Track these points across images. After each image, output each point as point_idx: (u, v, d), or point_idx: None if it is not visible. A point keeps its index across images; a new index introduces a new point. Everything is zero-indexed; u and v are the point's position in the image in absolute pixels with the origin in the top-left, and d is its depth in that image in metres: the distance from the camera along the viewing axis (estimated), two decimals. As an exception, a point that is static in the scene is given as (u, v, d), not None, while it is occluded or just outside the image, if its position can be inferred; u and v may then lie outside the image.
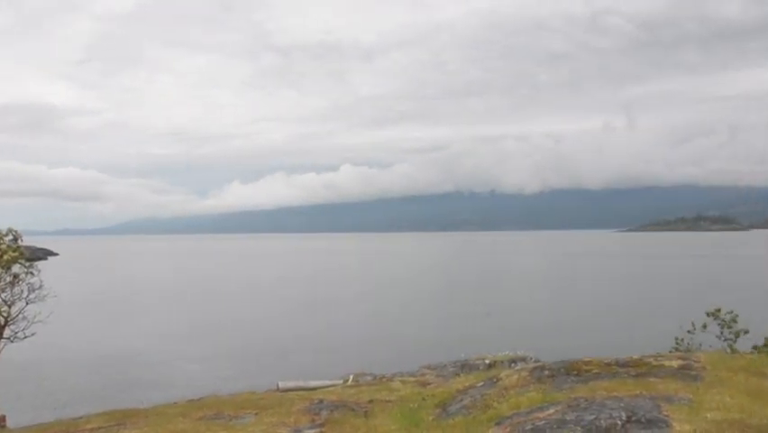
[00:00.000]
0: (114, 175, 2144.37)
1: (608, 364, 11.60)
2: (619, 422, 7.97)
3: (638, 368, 11.19)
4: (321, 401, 15.25)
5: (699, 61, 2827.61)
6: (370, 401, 15.46)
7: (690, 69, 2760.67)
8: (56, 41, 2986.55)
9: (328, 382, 22.32)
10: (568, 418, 8.37)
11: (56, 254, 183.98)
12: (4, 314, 20.35)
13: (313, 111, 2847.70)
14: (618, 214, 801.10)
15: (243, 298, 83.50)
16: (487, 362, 23.74)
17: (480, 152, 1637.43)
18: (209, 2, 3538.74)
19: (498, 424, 9.09)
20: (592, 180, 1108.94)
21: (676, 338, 19.83)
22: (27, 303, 20.59)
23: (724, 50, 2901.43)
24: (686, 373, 10.71)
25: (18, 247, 20.69)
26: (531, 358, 23.52)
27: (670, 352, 15.56)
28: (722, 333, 19.15)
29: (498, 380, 12.42)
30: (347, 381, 23.02)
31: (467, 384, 13.41)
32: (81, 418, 17.50)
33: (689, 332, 19.47)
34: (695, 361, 11.58)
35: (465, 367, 23.35)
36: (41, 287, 20.56)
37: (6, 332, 20.52)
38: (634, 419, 8.05)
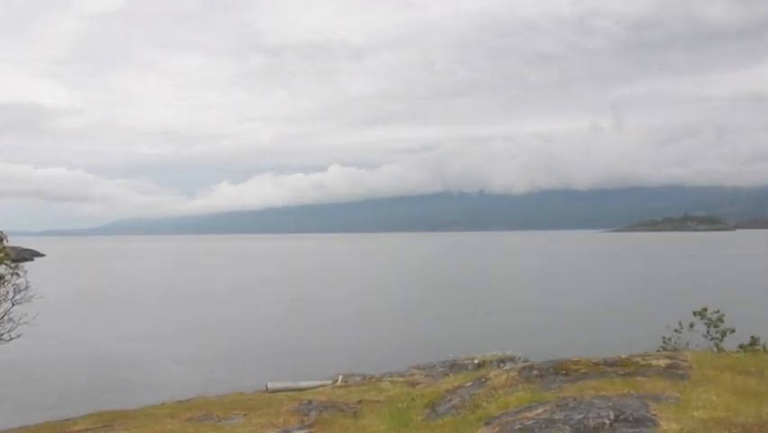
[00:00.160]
0: (101, 175, 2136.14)
1: (597, 364, 11.68)
2: (607, 421, 8.03)
3: (626, 367, 11.28)
4: (310, 402, 15.24)
5: (685, 62, 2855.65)
6: (360, 402, 15.45)
7: (676, 70, 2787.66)
8: (42, 41, 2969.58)
9: (317, 383, 22.25)
10: (556, 417, 8.42)
11: (42, 255, 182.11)
12: (-10, 315, 20.15)
13: (302, 111, 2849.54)
14: (606, 214, 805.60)
15: (232, 298, 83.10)
16: (476, 362, 23.74)
17: (468, 152, 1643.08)
18: (199, 1, 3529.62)
19: (486, 424, 9.12)
20: (580, 181, 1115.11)
21: (663, 337, 19.98)
22: (13, 304, 20.35)
23: (710, 52, 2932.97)
24: (673, 372, 10.81)
25: (4, 248, 20.44)
26: (520, 358, 23.54)
27: (657, 351, 15.68)
28: (709, 332, 19.26)
29: (486, 380, 12.47)
30: (336, 381, 22.95)
31: (456, 384, 13.45)
32: (69, 419, 17.43)
33: (676, 331, 19.63)
34: (682, 360, 11.68)
35: (454, 367, 23.34)
36: (27, 288, 20.31)
37: (-8, 334, 20.33)
38: (622, 418, 8.12)
